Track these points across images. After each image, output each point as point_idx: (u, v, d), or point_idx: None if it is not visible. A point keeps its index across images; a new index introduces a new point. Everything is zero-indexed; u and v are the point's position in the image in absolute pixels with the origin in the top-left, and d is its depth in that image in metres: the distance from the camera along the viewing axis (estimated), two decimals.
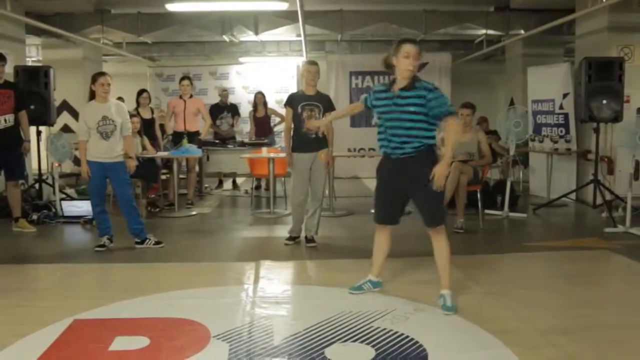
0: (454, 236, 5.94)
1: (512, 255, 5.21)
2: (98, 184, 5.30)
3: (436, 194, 3.60)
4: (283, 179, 8.14)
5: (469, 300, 3.79)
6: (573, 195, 7.89)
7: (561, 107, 8.43)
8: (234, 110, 9.57)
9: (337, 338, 3.18)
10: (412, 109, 3.57)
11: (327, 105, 5.47)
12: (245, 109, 10.86)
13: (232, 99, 10.44)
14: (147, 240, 5.45)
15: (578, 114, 7.73)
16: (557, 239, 5.83)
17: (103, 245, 5.34)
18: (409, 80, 3.61)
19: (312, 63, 5.49)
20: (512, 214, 7.01)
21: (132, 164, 5.42)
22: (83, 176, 5.34)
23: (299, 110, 5.39)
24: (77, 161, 8.99)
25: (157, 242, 5.48)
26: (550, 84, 8.57)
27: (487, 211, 6.84)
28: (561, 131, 8.41)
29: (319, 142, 5.43)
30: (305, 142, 5.40)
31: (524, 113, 7.52)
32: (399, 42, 3.66)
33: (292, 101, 5.47)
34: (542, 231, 6.60)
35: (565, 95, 8.34)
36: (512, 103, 10.30)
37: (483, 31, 10.13)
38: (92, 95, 5.24)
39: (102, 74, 5.28)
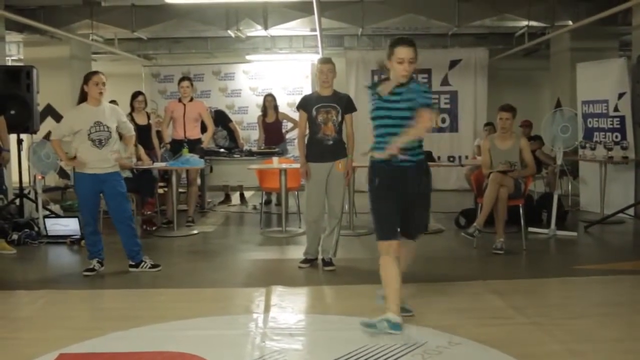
0: (493, 258, 5.92)
1: (561, 280, 5.16)
2: (91, 199, 5.33)
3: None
4: (297, 192, 8.14)
5: (510, 332, 3.76)
6: (631, 211, 7.79)
7: (616, 109, 8.36)
8: (221, 119, 9.48)
9: None
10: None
11: (346, 105, 5.48)
12: (254, 114, 10.89)
13: (238, 102, 10.42)
14: (143, 264, 5.48)
15: (636, 116, 7.67)
16: (613, 261, 5.78)
17: (92, 269, 5.37)
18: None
19: (324, 61, 5.52)
20: (559, 233, 6.95)
21: (126, 162, 5.43)
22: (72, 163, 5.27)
23: (314, 113, 5.41)
24: (62, 173, 9.10)
25: (154, 265, 5.51)
26: (603, 82, 8.51)
27: (530, 229, 6.81)
28: (616, 137, 8.33)
29: (337, 150, 5.46)
30: (321, 150, 5.43)
31: (573, 116, 7.48)
32: (391, 43, 3.78)
33: (306, 104, 5.51)
34: (595, 252, 6.54)
35: (621, 95, 8.28)
36: (558, 105, 10.24)
37: (525, 22, 10.09)
38: (83, 97, 5.27)
39: (96, 72, 5.33)
